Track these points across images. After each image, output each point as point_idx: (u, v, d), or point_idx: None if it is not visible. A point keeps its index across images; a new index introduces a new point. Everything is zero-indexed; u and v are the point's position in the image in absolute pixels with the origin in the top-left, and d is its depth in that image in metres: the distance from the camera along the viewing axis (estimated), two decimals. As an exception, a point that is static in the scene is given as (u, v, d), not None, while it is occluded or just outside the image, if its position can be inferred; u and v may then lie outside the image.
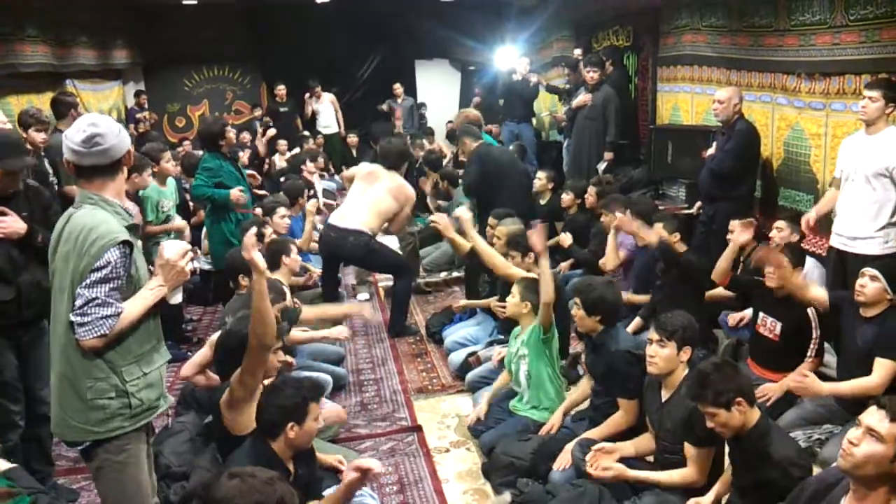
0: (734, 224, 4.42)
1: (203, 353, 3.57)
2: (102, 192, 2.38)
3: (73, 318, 2.26)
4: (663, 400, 2.99)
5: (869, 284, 3.36)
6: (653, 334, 2.99)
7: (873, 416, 2.07)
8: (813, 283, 3.78)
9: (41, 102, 6.74)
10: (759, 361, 3.99)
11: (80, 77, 8.60)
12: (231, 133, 5.63)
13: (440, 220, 4.82)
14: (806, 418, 3.54)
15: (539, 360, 3.72)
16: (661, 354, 2.96)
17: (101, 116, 2.40)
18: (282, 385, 2.75)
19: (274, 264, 4.33)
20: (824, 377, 3.58)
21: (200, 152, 7.16)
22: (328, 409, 3.74)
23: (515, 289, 3.89)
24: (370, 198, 5.29)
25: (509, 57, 9.39)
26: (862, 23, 4.57)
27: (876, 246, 3.95)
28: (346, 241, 5.18)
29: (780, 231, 4.53)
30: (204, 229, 5.93)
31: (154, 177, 5.20)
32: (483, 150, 5.90)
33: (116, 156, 2.36)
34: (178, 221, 5.43)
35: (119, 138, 2.35)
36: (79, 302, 2.25)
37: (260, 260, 2.65)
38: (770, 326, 3.88)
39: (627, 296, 4.70)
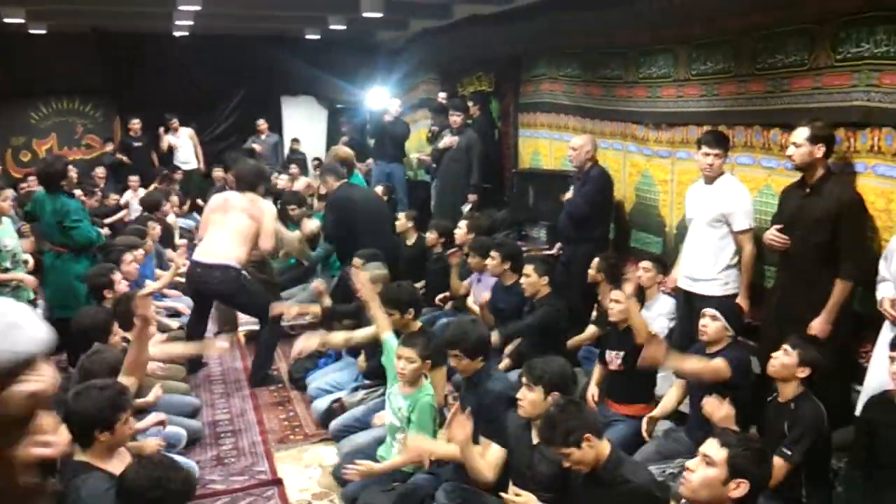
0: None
1: None
2: None
3: None
4: (534, 442, 3.01)
5: (710, 324, 3.57)
6: (523, 377, 3.05)
7: (709, 445, 2.28)
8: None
9: None
10: (612, 397, 4.13)
11: None
12: (73, 172, 5.29)
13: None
14: (661, 452, 3.68)
15: (428, 425, 3.57)
16: (528, 398, 3.01)
17: None
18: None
19: (127, 323, 4.07)
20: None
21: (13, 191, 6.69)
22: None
23: (408, 350, 3.52)
24: (229, 226, 5.00)
25: (381, 97, 9.44)
26: (702, 77, 4.93)
27: (717, 287, 4.21)
28: (212, 277, 4.92)
29: (647, 271, 4.71)
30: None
31: None
32: (343, 193, 5.78)
33: None
34: (24, 274, 5.02)
35: None
36: None
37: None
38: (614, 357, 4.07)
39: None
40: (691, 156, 4.88)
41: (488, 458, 3.13)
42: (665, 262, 4.84)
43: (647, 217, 5.66)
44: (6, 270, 4.82)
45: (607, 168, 5.65)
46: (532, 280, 4.65)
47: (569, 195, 5.58)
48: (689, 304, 4.33)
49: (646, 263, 4.79)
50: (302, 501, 3.79)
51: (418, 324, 4.30)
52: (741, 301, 4.11)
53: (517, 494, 2.87)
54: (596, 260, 4.92)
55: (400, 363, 3.55)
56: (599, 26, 6.00)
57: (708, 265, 4.25)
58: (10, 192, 5.13)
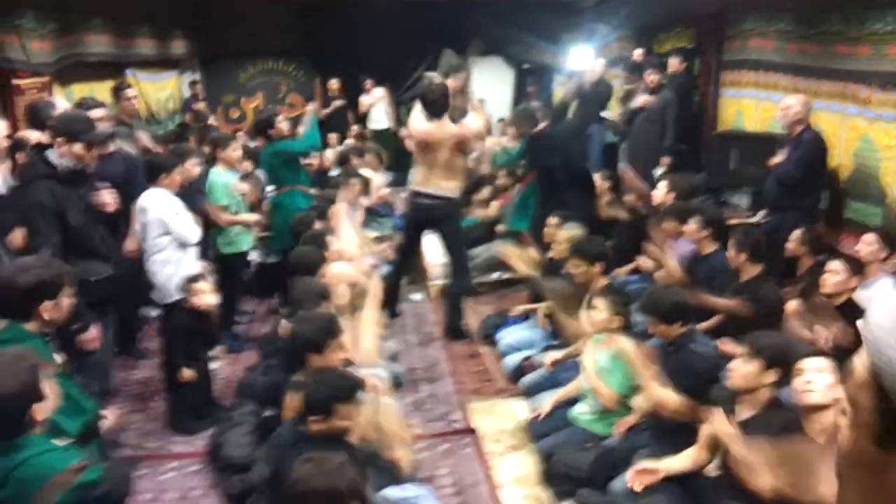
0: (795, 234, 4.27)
1: None
2: None
3: None
4: (738, 419, 2.90)
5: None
6: (740, 348, 2.88)
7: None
8: None
9: (102, 91, 6.88)
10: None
11: (139, 66, 8.75)
12: (282, 124, 5.68)
13: None
14: None
15: (623, 381, 3.59)
16: (740, 370, 2.82)
17: None
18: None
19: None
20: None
21: (254, 144, 7.26)
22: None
23: (602, 303, 3.64)
24: (437, 163, 5.22)
25: (584, 57, 9.21)
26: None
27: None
28: (436, 207, 5.24)
29: (868, 245, 4.25)
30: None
31: (220, 163, 5.27)
32: (546, 130, 5.89)
33: None
34: (251, 215, 5.50)
35: None
36: None
37: None
38: None
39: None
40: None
41: (702, 434, 3.00)
42: (892, 238, 4.41)
43: (867, 186, 5.20)
44: (236, 214, 5.26)
45: (822, 131, 5.25)
46: (730, 255, 4.37)
47: (777, 159, 5.25)
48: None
49: (869, 236, 4.37)
50: (496, 452, 3.91)
51: (605, 280, 4.27)
52: None
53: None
54: (798, 232, 4.60)
55: (593, 314, 3.65)
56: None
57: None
58: (236, 143, 5.55)
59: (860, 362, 0.82)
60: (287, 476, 2.14)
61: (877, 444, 0.79)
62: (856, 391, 0.83)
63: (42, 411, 2.02)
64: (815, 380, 2.59)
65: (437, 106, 5.16)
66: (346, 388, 2.74)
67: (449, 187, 5.24)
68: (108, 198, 3.83)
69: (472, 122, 5.36)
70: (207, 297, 4.17)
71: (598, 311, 3.63)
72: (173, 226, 4.26)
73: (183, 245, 4.32)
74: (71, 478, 1.91)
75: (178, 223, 4.28)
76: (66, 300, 2.60)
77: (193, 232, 4.36)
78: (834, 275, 3.78)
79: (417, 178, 5.39)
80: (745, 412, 2.87)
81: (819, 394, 2.57)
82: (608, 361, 3.61)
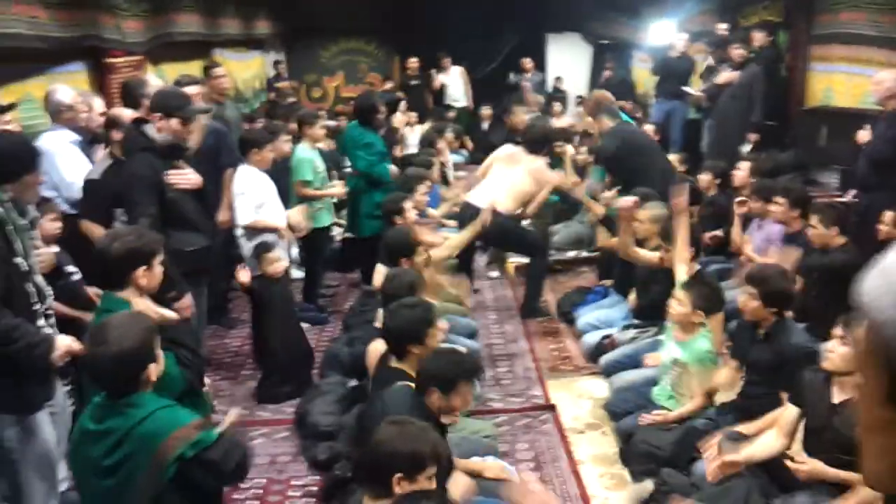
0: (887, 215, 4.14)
1: None
2: None
3: None
4: (835, 401, 2.85)
5: None
6: (837, 329, 2.80)
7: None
8: None
9: (191, 70, 7.07)
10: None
11: (225, 46, 8.98)
12: (382, 108, 5.76)
13: None
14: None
15: (699, 372, 3.57)
16: (839, 352, 2.76)
17: None
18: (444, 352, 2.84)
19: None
20: None
21: (333, 123, 7.39)
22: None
23: (684, 295, 3.58)
24: (509, 181, 5.27)
25: (666, 32, 9.01)
26: None
27: None
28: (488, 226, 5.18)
29: None
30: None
31: (305, 140, 5.41)
32: (620, 129, 5.74)
33: None
34: (337, 188, 5.63)
35: None
36: None
37: None
38: None
39: None
40: None
41: (781, 421, 2.99)
42: None
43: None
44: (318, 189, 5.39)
45: (918, 108, 5.01)
46: (819, 232, 4.28)
47: (863, 135, 5.05)
48: None
49: None
50: (575, 429, 3.94)
51: (695, 265, 4.21)
52: None
53: (801, 462, 2.77)
54: (890, 214, 4.41)
55: (674, 304, 3.59)
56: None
57: None
58: (322, 122, 5.67)
59: (860, 333, 0.84)
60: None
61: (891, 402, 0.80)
62: (861, 359, 0.85)
63: (155, 371, 2.14)
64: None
65: (536, 142, 5.35)
66: (472, 369, 2.81)
67: (504, 206, 5.14)
68: (182, 178, 3.89)
69: (551, 175, 5.46)
70: (278, 264, 4.27)
71: (680, 304, 3.56)
72: (236, 204, 4.43)
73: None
74: (192, 433, 2.02)
75: (239, 203, 4.48)
76: (158, 267, 2.67)
77: (246, 216, 4.53)
78: None
79: (478, 191, 5.40)
80: (839, 395, 2.83)
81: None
82: (685, 355, 3.58)
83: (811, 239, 4.33)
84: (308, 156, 5.31)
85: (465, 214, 5.33)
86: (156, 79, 5.39)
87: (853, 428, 2.67)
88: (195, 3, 7.66)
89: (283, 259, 4.34)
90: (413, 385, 2.77)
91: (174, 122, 3.80)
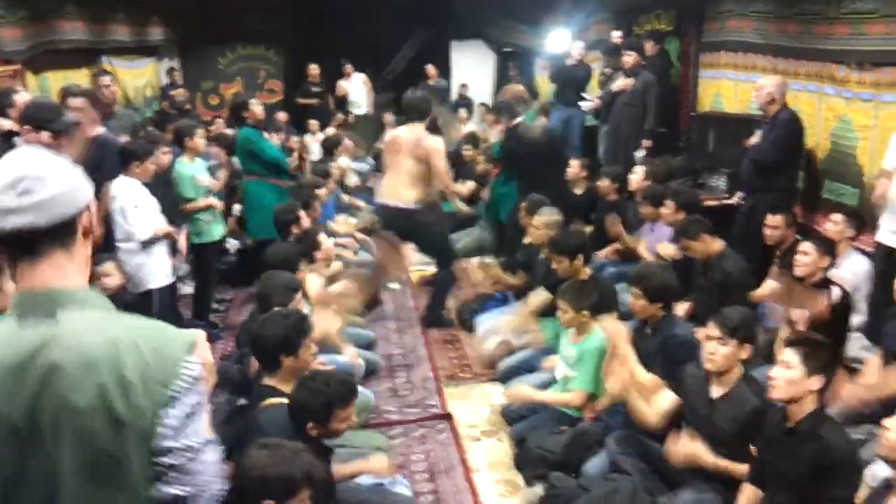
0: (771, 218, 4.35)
1: None
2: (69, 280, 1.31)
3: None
4: (713, 396, 2.90)
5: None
6: (713, 330, 2.85)
7: None
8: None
9: (77, 78, 6.76)
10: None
11: (115, 53, 8.61)
12: (257, 108, 5.71)
13: None
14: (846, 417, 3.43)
15: (591, 373, 3.60)
16: (720, 352, 2.81)
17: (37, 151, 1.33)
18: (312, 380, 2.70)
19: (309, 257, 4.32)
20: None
21: (231, 131, 7.19)
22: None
23: (562, 302, 3.64)
24: (399, 170, 5.12)
25: (562, 40, 9.13)
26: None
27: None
28: (400, 218, 5.14)
29: (836, 225, 4.38)
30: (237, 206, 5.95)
31: (186, 153, 5.22)
32: (521, 129, 5.80)
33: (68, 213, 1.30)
34: (213, 199, 5.42)
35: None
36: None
37: None
38: None
39: None
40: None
41: (658, 403, 3.03)
42: (861, 217, 4.44)
43: (844, 166, 5.19)
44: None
45: (798, 112, 5.24)
46: (699, 246, 4.38)
47: (753, 140, 5.25)
48: (891, 262, 3.97)
49: (836, 216, 4.43)
50: (471, 437, 3.91)
51: (587, 270, 4.26)
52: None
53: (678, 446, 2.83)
54: (780, 217, 4.58)
55: (559, 312, 3.68)
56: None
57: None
58: (201, 132, 5.52)
59: None
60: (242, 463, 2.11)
61: None
62: None
63: None
64: (780, 375, 2.51)
65: (414, 110, 5.14)
66: (344, 394, 2.67)
67: (410, 197, 5.07)
68: None
69: (436, 142, 5.18)
70: (111, 279, 3.96)
71: (563, 312, 3.65)
72: (130, 218, 4.21)
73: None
74: None
75: (134, 217, 4.23)
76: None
77: (145, 229, 4.29)
78: (805, 256, 3.79)
79: (382, 188, 5.34)
80: (718, 391, 2.89)
81: (781, 390, 2.51)
82: (579, 354, 3.63)
83: (695, 256, 4.43)
84: (188, 171, 5.13)
85: (387, 215, 5.27)
86: (24, 92, 5.08)
87: (730, 422, 2.75)
88: (80, 10, 7.31)
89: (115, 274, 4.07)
90: (287, 401, 2.66)
91: (44, 136, 3.60)
